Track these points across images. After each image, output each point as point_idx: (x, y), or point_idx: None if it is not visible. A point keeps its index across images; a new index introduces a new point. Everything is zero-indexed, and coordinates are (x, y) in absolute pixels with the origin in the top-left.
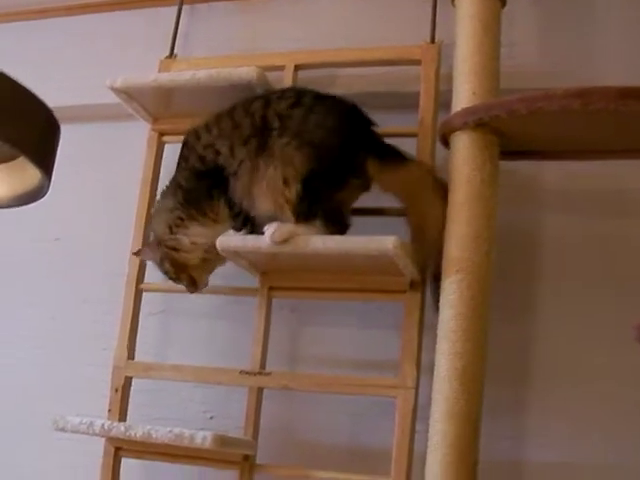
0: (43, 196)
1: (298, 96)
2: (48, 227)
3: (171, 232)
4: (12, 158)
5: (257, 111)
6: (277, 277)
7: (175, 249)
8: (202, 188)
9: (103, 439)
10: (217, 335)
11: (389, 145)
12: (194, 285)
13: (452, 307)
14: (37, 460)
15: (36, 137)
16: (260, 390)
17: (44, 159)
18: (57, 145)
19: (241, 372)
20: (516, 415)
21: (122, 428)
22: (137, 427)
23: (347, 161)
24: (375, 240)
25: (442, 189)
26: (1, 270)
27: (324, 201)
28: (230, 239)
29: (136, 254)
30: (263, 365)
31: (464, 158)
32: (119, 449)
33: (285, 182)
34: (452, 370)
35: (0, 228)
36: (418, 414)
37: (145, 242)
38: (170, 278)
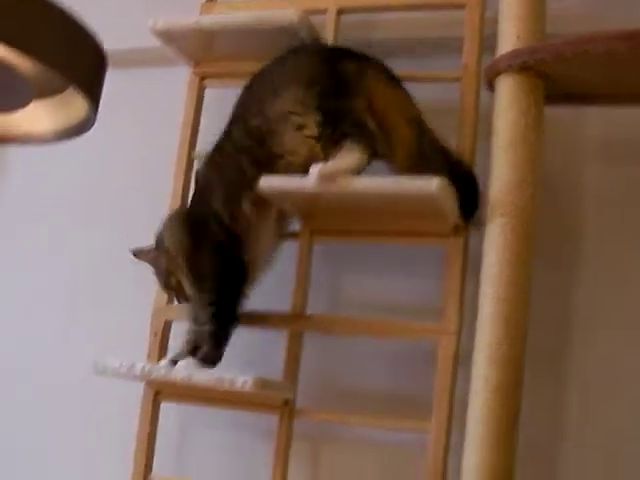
0: (89, 129)
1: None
2: (87, 174)
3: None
4: (57, 92)
5: (240, 140)
6: (319, 221)
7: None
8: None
9: (142, 384)
10: None
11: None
12: (187, 300)
13: (496, 251)
14: (76, 406)
15: (86, 66)
16: (300, 334)
17: (93, 89)
18: (105, 76)
19: (281, 316)
20: (558, 360)
21: (162, 371)
22: (177, 370)
23: (344, 68)
24: (419, 181)
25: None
26: (40, 215)
27: (345, 115)
28: (274, 178)
29: (134, 254)
30: (304, 309)
31: (509, 102)
32: (158, 393)
33: (300, 128)
34: (495, 315)
35: (37, 175)
36: (459, 360)
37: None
38: (167, 288)
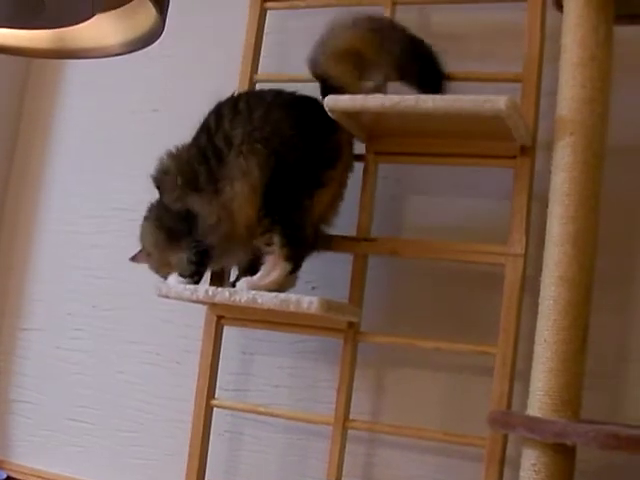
0: (158, 38)
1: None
2: (147, 98)
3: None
4: (123, 2)
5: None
6: (384, 142)
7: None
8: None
9: (204, 309)
10: None
11: None
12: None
13: (565, 170)
14: (140, 330)
15: None
16: (365, 257)
17: None
18: None
19: (346, 239)
20: (623, 285)
21: (226, 294)
22: (242, 293)
23: None
24: (487, 99)
25: None
26: (100, 142)
27: None
28: (340, 97)
29: (132, 260)
30: (368, 232)
31: (578, 20)
32: (221, 318)
33: None
34: (564, 235)
35: (99, 99)
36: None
37: None
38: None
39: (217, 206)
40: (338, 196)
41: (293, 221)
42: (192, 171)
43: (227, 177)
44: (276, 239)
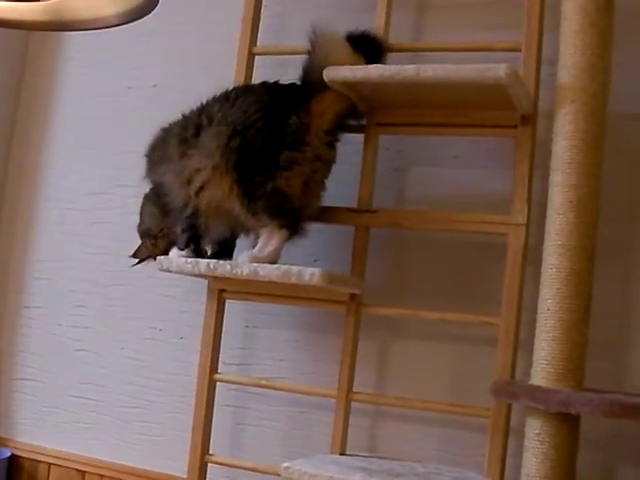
0: (153, 9)
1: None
2: (146, 74)
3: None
4: None
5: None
6: (385, 113)
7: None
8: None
9: (206, 283)
10: None
11: None
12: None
13: (566, 139)
14: (141, 306)
15: None
16: (367, 229)
17: None
18: None
19: (348, 211)
20: (627, 253)
21: (228, 267)
22: (243, 265)
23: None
24: (487, 68)
25: None
26: (99, 118)
27: None
28: (340, 68)
29: (135, 256)
30: (370, 203)
31: None
32: (223, 291)
33: None
34: (566, 203)
35: (98, 75)
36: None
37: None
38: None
39: (178, 171)
40: (313, 183)
41: (276, 196)
42: (164, 142)
43: (196, 148)
44: (264, 217)
